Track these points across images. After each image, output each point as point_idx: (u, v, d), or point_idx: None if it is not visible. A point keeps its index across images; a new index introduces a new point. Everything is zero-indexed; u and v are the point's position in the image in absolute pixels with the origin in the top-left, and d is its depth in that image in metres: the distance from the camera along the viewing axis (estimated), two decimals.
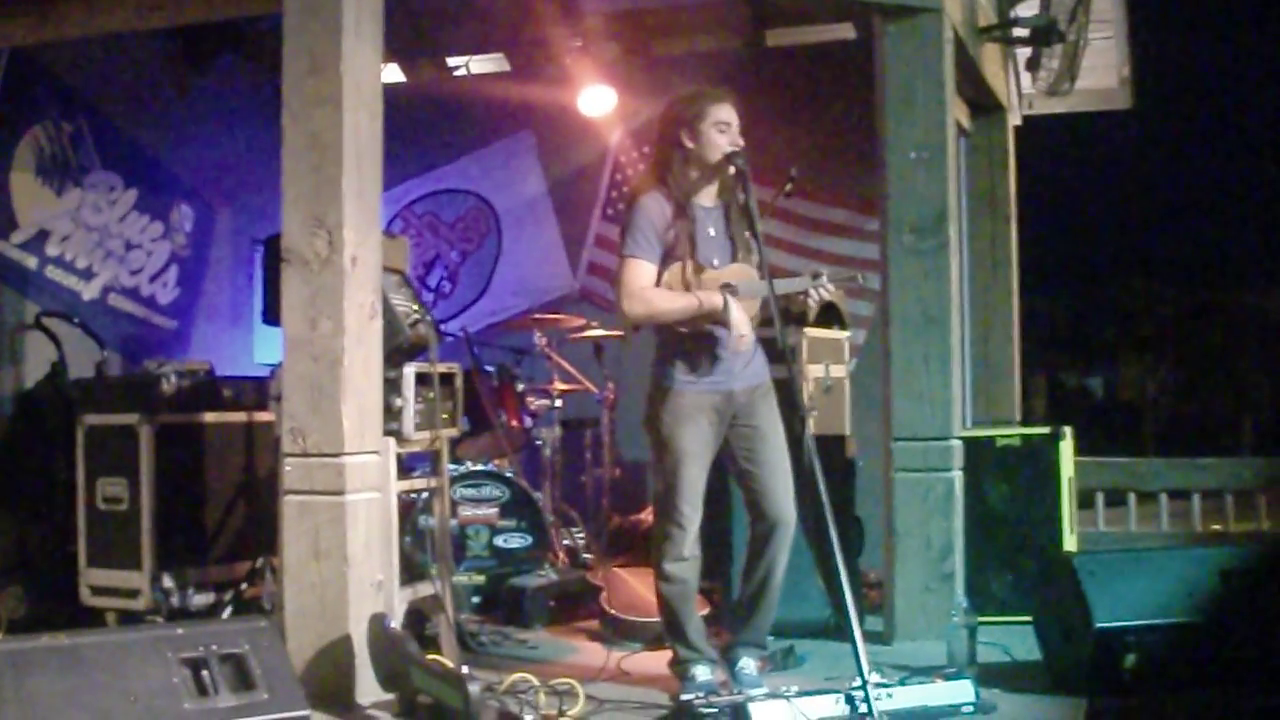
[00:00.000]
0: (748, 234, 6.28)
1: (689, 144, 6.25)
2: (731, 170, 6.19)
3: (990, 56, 9.64)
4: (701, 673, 6.34)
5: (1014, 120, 10.89)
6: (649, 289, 6.23)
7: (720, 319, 6.15)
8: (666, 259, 6.26)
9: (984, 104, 10.31)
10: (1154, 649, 6.08)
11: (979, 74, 9.31)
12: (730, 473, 6.47)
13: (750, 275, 6.28)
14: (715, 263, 6.26)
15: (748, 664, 6.45)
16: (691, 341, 6.27)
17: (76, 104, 9.45)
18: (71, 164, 9.43)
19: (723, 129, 6.19)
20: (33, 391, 8.87)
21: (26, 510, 8.56)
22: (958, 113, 9.07)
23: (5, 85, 8.78)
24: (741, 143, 6.18)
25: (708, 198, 6.34)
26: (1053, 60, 9.95)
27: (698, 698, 5.80)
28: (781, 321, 6.03)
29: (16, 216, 9.00)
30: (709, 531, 6.51)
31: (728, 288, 6.18)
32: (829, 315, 8.40)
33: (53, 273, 9.27)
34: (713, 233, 6.30)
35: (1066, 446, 8.06)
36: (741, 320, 6.14)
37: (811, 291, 6.33)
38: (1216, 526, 10.85)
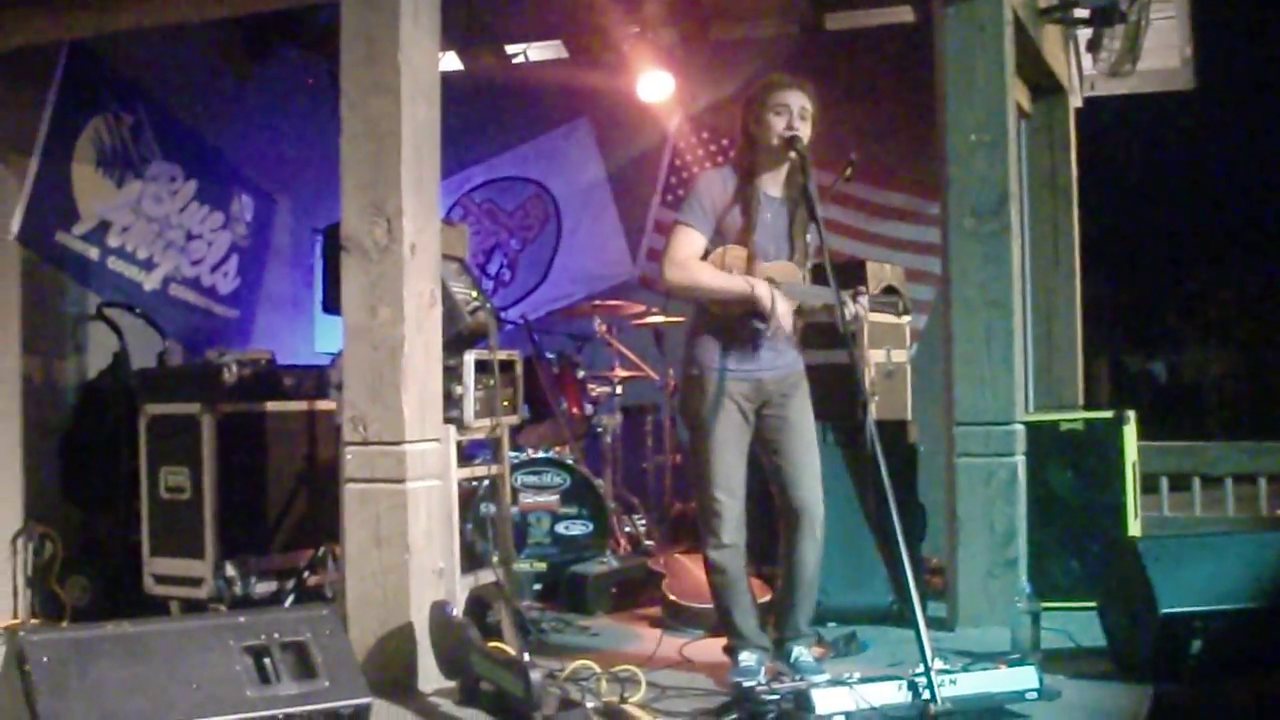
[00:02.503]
0: (810, 222, 6.24)
1: (753, 128, 6.27)
2: (791, 155, 6.16)
3: (1051, 38, 9.57)
4: (746, 658, 6.34)
5: (1075, 102, 10.80)
6: (693, 260, 6.23)
7: (761, 308, 6.12)
8: (719, 237, 6.25)
9: (1044, 86, 10.24)
10: (1219, 634, 6.04)
11: (1039, 56, 9.25)
12: (760, 462, 6.45)
13: (796, 277, 6.26)
14: (772, 251, 6.24)
15: (802, 652, 6.44)
16: (722, 329, 6.27)
17: (136, 96, 9.47)
18: (132, 155, 9.46)
19: (779, 111, 6.18)
20: (95, 382, 8.92)
21: (90, 500, 8.63)
22: (1018, 95, 9.01)
23: (65, 78, 8.81)
24: (798, 127, 6.15)
25: (774, 187, 6.32)
26: (1114, 41, 9.87)
27: (760, 684, 5.78)
28: (841, 308, 6.01)
29: (78, 208, 9.03)
30: (769, 519, 6.49)
31: (771, 283, 6.16)
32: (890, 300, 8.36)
33: (114, 264, 9.30)
34: (770, 220, 6.28)
35: (1130, 431, 8.01)
36: (785, 314, 6.13)
37: (849, 308, 6.27)
38: None
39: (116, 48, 9.02)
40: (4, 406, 8.44)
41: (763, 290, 6.11)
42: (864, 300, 6.31)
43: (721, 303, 6.22)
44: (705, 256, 6.24)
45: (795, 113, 6.17)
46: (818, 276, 6.34)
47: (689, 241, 6.25)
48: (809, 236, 6.29)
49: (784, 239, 6.29)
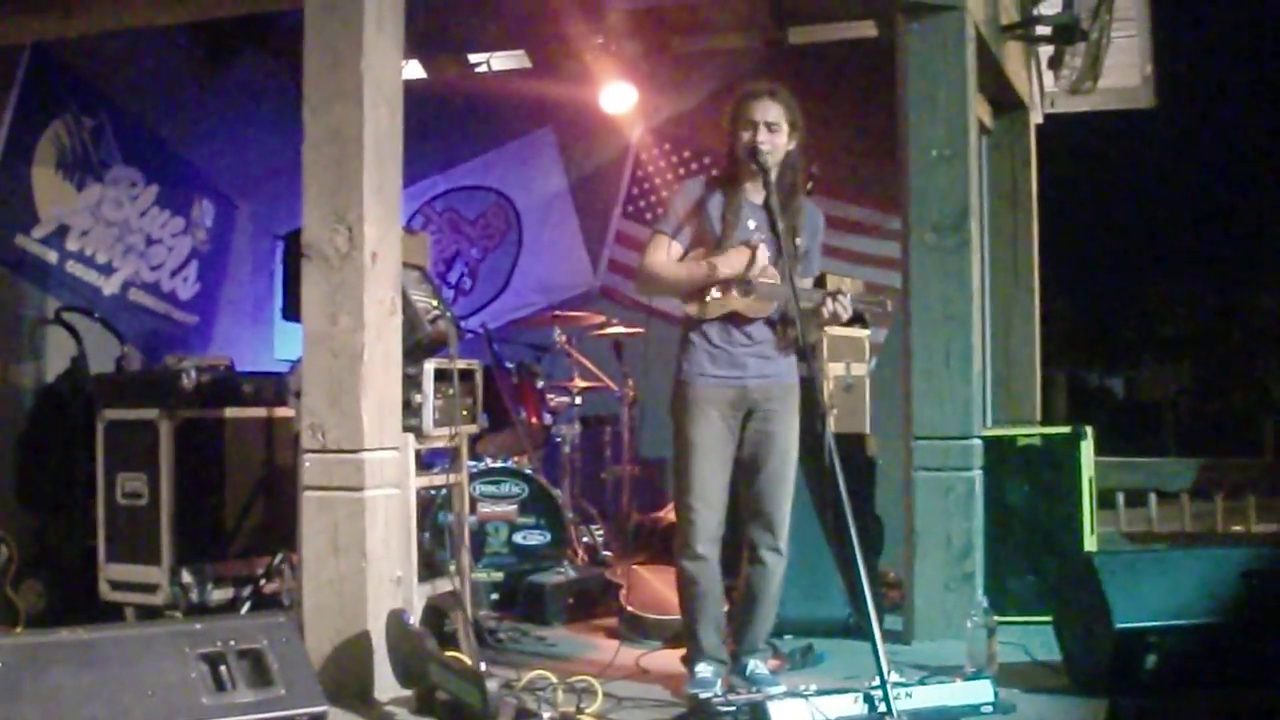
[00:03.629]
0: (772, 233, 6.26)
1: (729, 142, 6.31)
2: (752, 167, 6.19)
3: (1013, 54, 9.61)
4: (703, 670, 6.34)
5: (1036, 119, 10.86)
6: (659, 261, 6.31)
7: (729, 276, 6.23)
8: (695, 242, 6.32)
9: (1006, 102, 10.29)
10: (1175, 650, 6.06)
11: (1001, 72, 9.29)
12: (734, 471, 6.44)
13: (773, 278, 6.27)
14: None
15: (757, 665, 6.46)
16: (707, 334, 6.28)
17: (98, 99, 9.45)
18: (92, 159, 9.44)
19: (745, 126, 6.22)
20: (53, 386, 8.89)
21: (46, 505, 8.59)
22: (980, 111, 9.05)
23: (27, 80, 8.79)
24: (764, 139, 6.19)
25: (759, 194, 6.34)
26: (1075, 58, 9.93)
27: (716, 696, 5.79)
28: (803, 321, 6.03)
29: (38, 211, 9.00)
30: (731, 531, 6.50)
31: (747, 284, 6.19)
32: (855, 316, 8.38)
33: (73, 268, 9.28)
34: (752, 226, 6.30)
35: (1088, 446, 8.04)
36: (730, 259, 6.25)
37: (828, 307, 6.29)
38: (1238, 527, 10.82)
39: (79, 51, 9.00)
40: None
41: (704, 266, 6.22)
42: (845, 300, 6.32)
43: (701, 301, 6.25)
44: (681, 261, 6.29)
45: (760, 124, 6.20)
46: (817, 285, 6.39)
47: (660, 247, 6.34)
48: (797, 241, 6.30)
49: (770, 245, 6.30)
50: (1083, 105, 10.93)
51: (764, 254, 6.22)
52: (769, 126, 6.23)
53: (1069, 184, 10.99)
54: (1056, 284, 10.73)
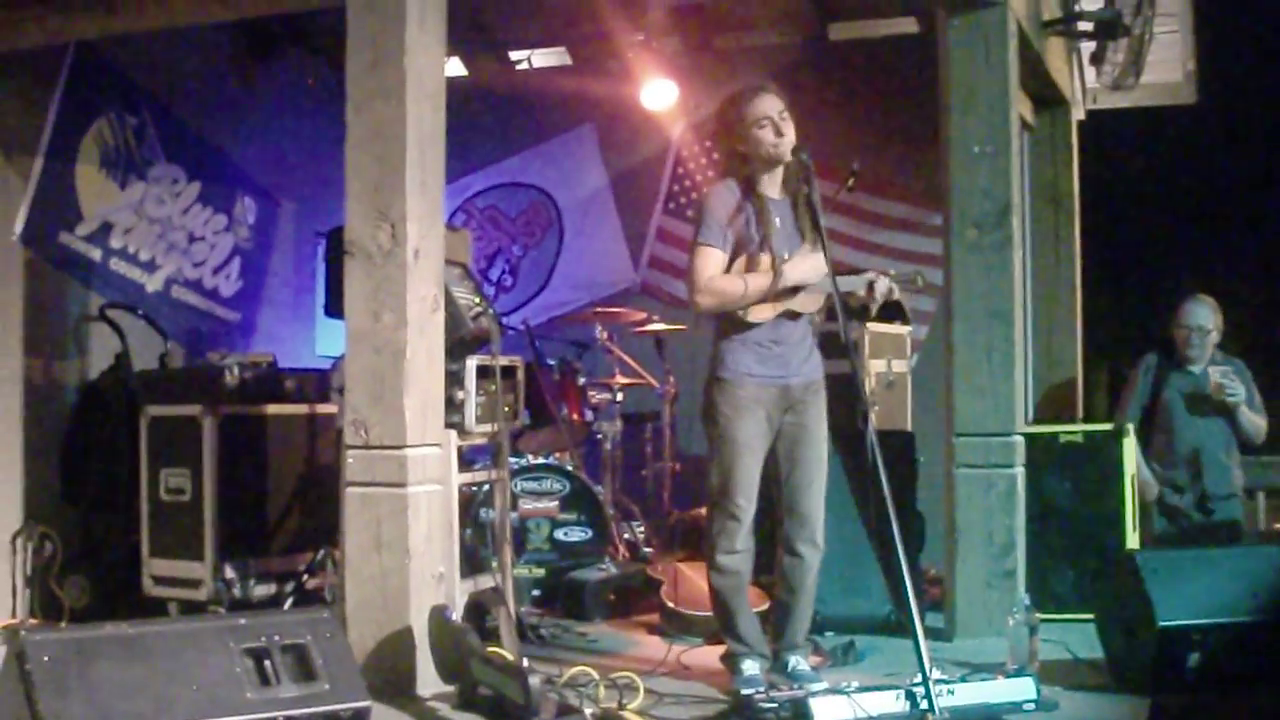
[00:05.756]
0: (812, 228, 6.25)
1: (741, 146, 6.29)
2: (797, 165, 6.19)
3: (1054, 50, 9.58)
4: (749, 667, 6.34)
5: (1078, 115, 10.81)
6: (716, 279, 6.24)
7: (793, 283, 6.19)
8: (736, 249, 6.27)
9: (1047, 98, 10.25)
10: (1217, 648, 6.04)
11: (1043, 68, 9.26)
12: (767, 467, 6.44)
13: (823, 271, 6.26)
14: (786, 255, 6.25)
15: (799, 661, 6.44)
16: (751, 334, 6.27)
17: (140, 97, 9.49)
18: (135, 157, 9.47)
19: (762, 125, 6.20)
20: (97, 383, 8.93)
21: (90, 501, 8.63)
22: (1021, 107, 9.02)
23: (70, 79, 8.82)
24: (788, 133, 6.18)
25: (774, 189, 6.33)
26: (1117, 54, 9.88)
27: (758, 692, 5.79)
28: (845, 316, 6.02)
29: (81, 209, 9.04)
30: (767, 526, 6.49)
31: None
32: (891, 310, 8.36)
33: (117, 265, 9.32)
34: (779, 224, 6.29)
35: (1129, 443, 8.00)
36: (799, 266, 6.20)
37: (879, 287, 6.29)
38: None
39: (122, 50, 9.04)
40: (5, 406, 8.45)
41: (774, 275, 6.16)
42: (888, 282, 6.32)
43: (752, 309, 6.24)
44: (730, 268, 6.27)
45: (776, 119, 6.19)
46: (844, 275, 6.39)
47: (710, 261, 6.26)
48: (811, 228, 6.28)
49: (794, 238, 6.30)
50: (1125, 101, 10.86)
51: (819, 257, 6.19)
52: (781, 117, 6.22)
53: (1111, 180, 10.91)
54: (1098, 280, 10.66)
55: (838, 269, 6.15)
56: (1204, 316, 8.80)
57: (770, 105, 6.21)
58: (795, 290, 6.22)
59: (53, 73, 8.72)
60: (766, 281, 6.18)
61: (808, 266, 6.18)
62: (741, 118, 6.25)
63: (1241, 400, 8.60)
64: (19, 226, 8.56)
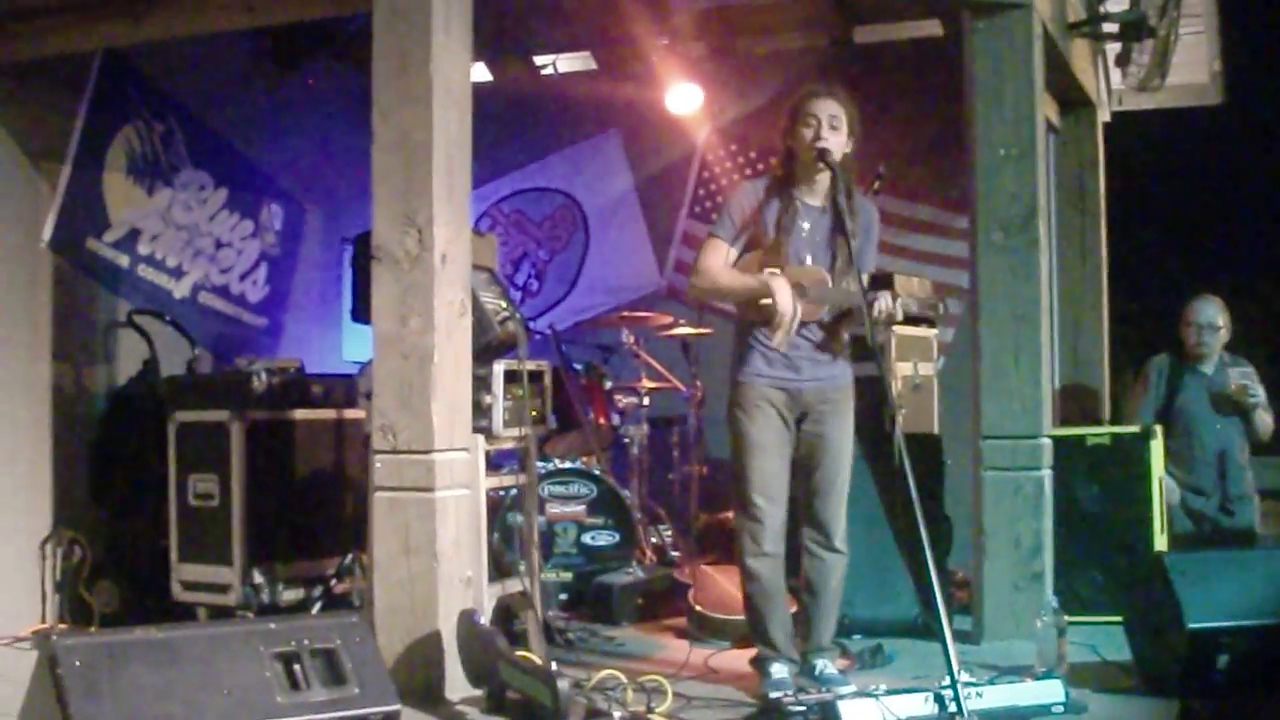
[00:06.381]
0: (841, 237, 6.24)
1: (789, 140, 6.31)
2: (820, 166, 6.19)
3: (1080, 52, 9.57)
4: (777, 670, 6.34)
5: (1103, 117, 10.81)
6: (713, 267, 6.29)
7: (771, 300, 6.14)
8: (751, 246, 6.31)
9: (1073, 100, 10.25)
10: (1247, 650, 6.02)
11: (1068, 70, 9.25)
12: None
13: (822, 281, 6.26)
14: (809, 260, 6.25)
15: (826, 665, 6.45)
16: (761, 336, 6.28)
17: (167, 104, 9.51)
18: (162, 163, 9.50)
19: (809, 123, 6.21)
20: (125, 389, 8.96)
21: (119, 506, 8.66)
22: (1047, 109, 9.01)
23: (98, 86, 8.85)
24: (827, 138, 6.17)
25: (814, 196, 6.35)
26: (1143, 55, 9.87)
27: (786, 695, 5.79)
28: (871, 321, 6.02)
29: (109, 215, 9.07)
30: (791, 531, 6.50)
31: (798, 287, 6.18)
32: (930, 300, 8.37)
33: (144, 271, 9.34)
34: (810, 228, 6.29)
35: (1157, 446, 7.99)
36: (786, 305, 6.12)
37: (878, 306, 6.28)
38: None
39: (149, 57, 9.07)
40: (34, 413, 8.48)
41: (776, 283, 6.13)
42: (888, 298, 6.31)
43: (746, 302, 6.25)
44: (735, 265, 6.28)
45: (825, 123, 6.19)
46: (873, 284, 6.38)
47: (714, 251, 6.34)
48: (853, 242, 6.27)
49: (824, 247, 6.30)
50: (1150, 103, 10.85)
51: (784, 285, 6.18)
52: (831, 123, 6.22)
53: (1137, 182, 10.90)
54: (1125, 283, 10.65)
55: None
56: (1212, 313, 8.83)
57: (824, 108, 6.23)
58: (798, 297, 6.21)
59: (81, 80, 8.75)
60: (748, 284, 6.24)
61: (787, 298, 6.14)
62: (796, 111, 6.29)
63: (1261, 402, 8.61)
64: (48, 233, 8.60)
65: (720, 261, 6.32)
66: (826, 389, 6.37)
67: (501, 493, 7.90)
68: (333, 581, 8.01)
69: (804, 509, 6.40)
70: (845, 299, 6.21)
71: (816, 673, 6.38)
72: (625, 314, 10.09)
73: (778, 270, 6.21)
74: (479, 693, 6.17)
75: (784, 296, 6.11)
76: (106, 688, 4.83)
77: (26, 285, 8.45)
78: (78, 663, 4.84)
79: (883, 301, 6.30)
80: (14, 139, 8.42)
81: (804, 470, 6.38)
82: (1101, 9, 9.28)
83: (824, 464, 6.36)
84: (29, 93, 8.46)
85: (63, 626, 8.04)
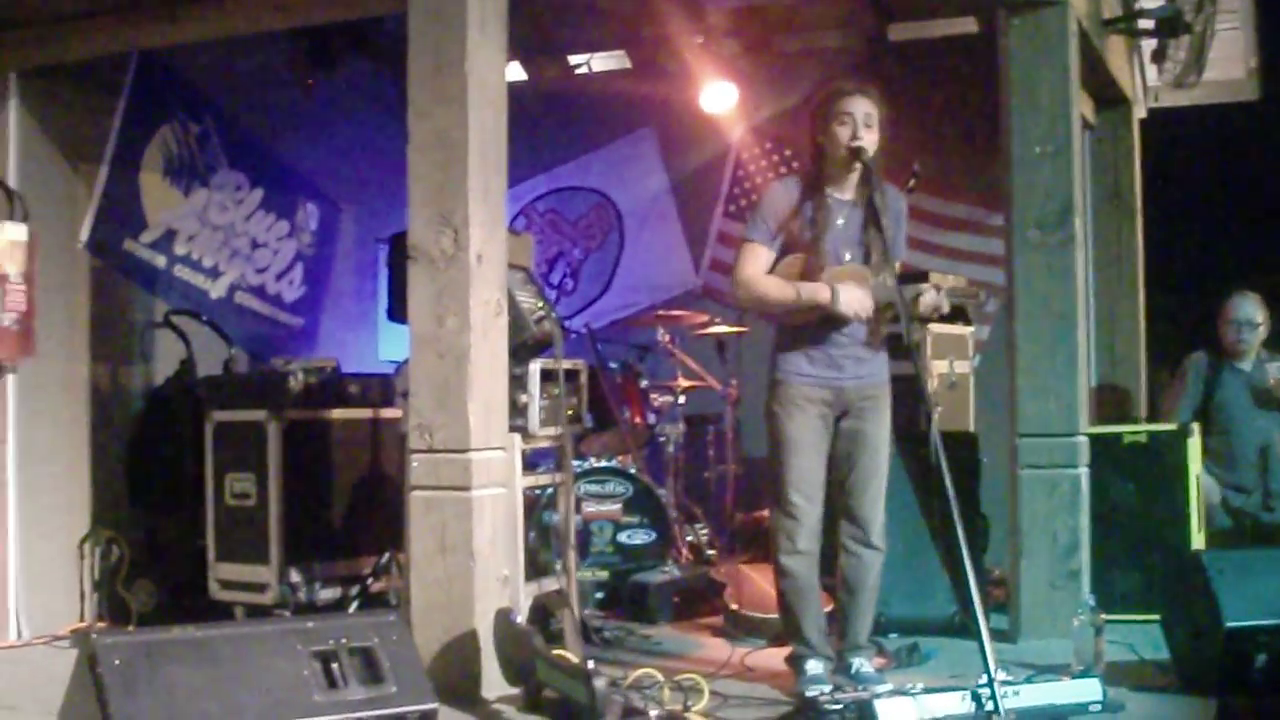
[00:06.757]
0: (874, 231, 6.23)
1: (820, 138, 6.28)
2: (856, 165, 6.17)
3: (1115, 49, 9.54)
4: (813, 668, 6.33)
5: (1139, 113, 10.77)
6: (757, 276, 6.28)
7: (829, 311, 6.14)
8: (789, 247, 6.27)
9: (1109, 97, 10.21)
10: None
11: (1104, 67, 9.22)
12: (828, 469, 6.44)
13: (864, 277, 6.24)
14: (848, 257, 6.24)
15: (863, 663, 6.43)
16: (806, 336, 6.27)
17: (203, 105, 9.54)
18: (198, 164, 9.53)
19: (844, 121, 6.18)
20: (162, 389, 9.00)
21: (157, 506, 8.70)
22: (1082, 106, 8.98)
23: (134, 88, 8.88)
24: (863, 136, 6.16)
25: (846, 192, 6.33)
26: (1179, 52, 9.83)
27: (822, 694, 5.79)
28: (908, 318, 6.01)
29: (146, 217, 9.10)
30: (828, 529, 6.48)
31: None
32: (953, 311, 8.34)
33: (181, 271, 9.38)
34: (842, 225, 6.28)
35: (1194, 443, 7.97)
36: (852, 302, 6.13)
37: (925, 299, 6.27)
38: None
39: (185, 58, 9.09)
40: (72, 413, 8.52)
41: (824, 293, 6.12)
42: (933, 293, 6.30)
43: (793, 313, 6.24)
44: (775, 267, 6.26)
45: (859, 121, 6.17)
46: (906, 281, 6.37)
47: (753, 258, 6.30)
48: (887, 236, 6.25)
49: (857, 244, 6.28)
50: (1186, 99, 10.81)
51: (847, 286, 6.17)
52: (866, 121, 6.21)
53: (1174, 178, 10.85)
54: (1161, 280, 10.61)
55: (900, 272, 6.15)
56: (1251, 310, 8.81)
57: (858, 105, 6.20)
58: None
59: (117, 82, 8.78)
60: (816, 296, 6.17)
61: (856, 298, 6.15)
62: (827, 110, 6.25)
63: None
64: (85, 235, 8.63)
65: (761, 268, 6.29)
66: (867, 385, 6.35)
67: (538, 491, 7.91)
68: (369, 580, 8.03)
69: (841, 506, 6.38)
70: (892, 295, 6.17)
71: (853, 671, 6.37)
72: (661, 312, 10.11)
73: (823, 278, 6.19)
74: (515, 691, 6.19)
75: (845, 296, 6.12)
76: (145, 686, 4.85)
77: (64, 286, 8.48)
78: (117, 661, 4.86)
79: (930, 295, 6.30)
80: (51, 141, 8.46)
81: (843, 466, 6.35)
82: (1137, 5, 9.25)
83: (862, 460, 6.34)
84: (66, 95, 8.50)
85: (101, 625, 8.07)
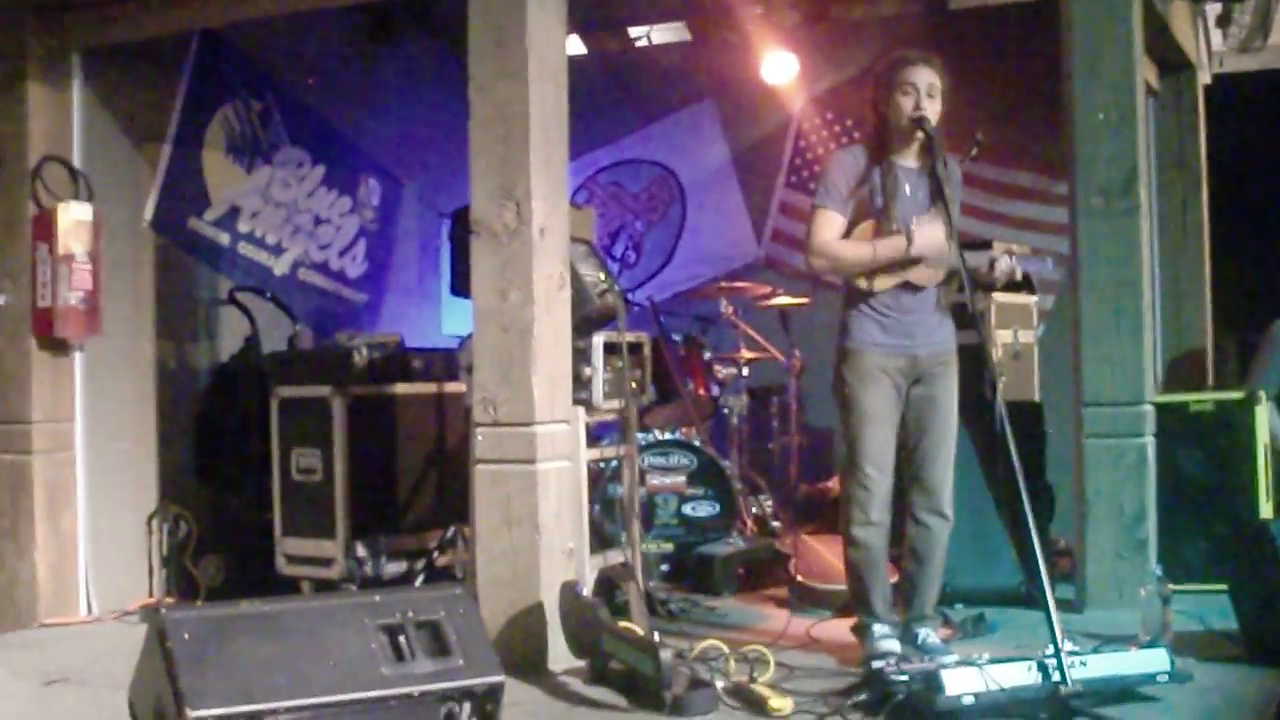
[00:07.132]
0: (940, 201, 6.20)
1: (883, 108, 6.25)
2: (919, 135, 6.14)
3: (1179, 13, 9.46)
4: (880, 639, 6.32)
5: (1204, 79, 10.67)
6: (832, 242, 6.24)
7: (908, 258, 6.13)
8: (858, 215, 6.25)
9: (1173, 63, 10.12)
10: None
11: (1168, 32, 9.14)
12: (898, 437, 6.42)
13: (939, 226, 6.21)
14: (914, 221, 6.21)
15: (929, 634, 6.42)
16: (878, 302, 6.25)
17: (265, 82, 9.58)
18: (261, 141, 9.57)
19: (907, 91, 6.15)
20: (228, 365, 9.06)
21: (223, 481, 8.76)
22: (1146, 72, 8.90)
23: (196, 66, 8.93)
24: (925, 107, 6.13)
25: (910, 159, 6.30)
26: (1244, 15, 9.76)
27: (889, 665, 5.77)
28: (971, 287, 5.98)
29: (209, 194, 9.15)
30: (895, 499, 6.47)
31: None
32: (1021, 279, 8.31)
33: (245, 249, 9.42)
34: (909, 191, 6.25)
35: (1262, 411, 7.90)
36: (931, 236, 6.13)
37: (1001, 265, 6.24)
38: None
39: (246, 36, 9.13)
40: (139, 390, 8.59)
41: (901, 241, 6.12)
42: (1010, 260, 6.27)
43: (869, 276, 6.22)
44: (849, 234, 6.25)
45: (923, 91, 6.14)
46: (967, 248, 6.33)
47: (826, 223, 6.26)
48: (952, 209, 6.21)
49: (926, 210, 6.24)
50: (1252, 64, 10.72)
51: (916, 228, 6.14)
52: (929, 91, 6.18)
53: (1239, 144, 10.77)
54: (1227, 247, 10.53)
55: (963, 240, 6.11)
56: None
57: (921, 76, 6.17)
58: (915, 262, 6.18)
59: (179, 61, 8.83)
60: (894, 247, 6.14)
61: (930, 233, 6.13)
62: (891, 78, 6.22)
63: None
64: (149, 213, 8.69)
65: (836, 233, 6.25)
66: (939, 352, 6.32)
67: (602, 464, 7.92)
68: (435, 554, 8.06)
69: (914, 474, 6.35)
70: (956, 263, 6.13)
71: (919, 641, 6.36)
72: (723, 284, 10.08)
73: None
74: (581, 664, 6.21)
75: (924, 233, 6.13)
76: (214, 660, 4.87)
77: (130, 265, 8.55)
78: (186, 635, 4.88)
79: (1004, 261, 6.27)
80: (115, 120, 8.52)
81: (913, 433, 6.32)
82: None
83: (934, 427, 6.31)
84: (129, 75, 8.56)
85: (169, 600, 8.13)
